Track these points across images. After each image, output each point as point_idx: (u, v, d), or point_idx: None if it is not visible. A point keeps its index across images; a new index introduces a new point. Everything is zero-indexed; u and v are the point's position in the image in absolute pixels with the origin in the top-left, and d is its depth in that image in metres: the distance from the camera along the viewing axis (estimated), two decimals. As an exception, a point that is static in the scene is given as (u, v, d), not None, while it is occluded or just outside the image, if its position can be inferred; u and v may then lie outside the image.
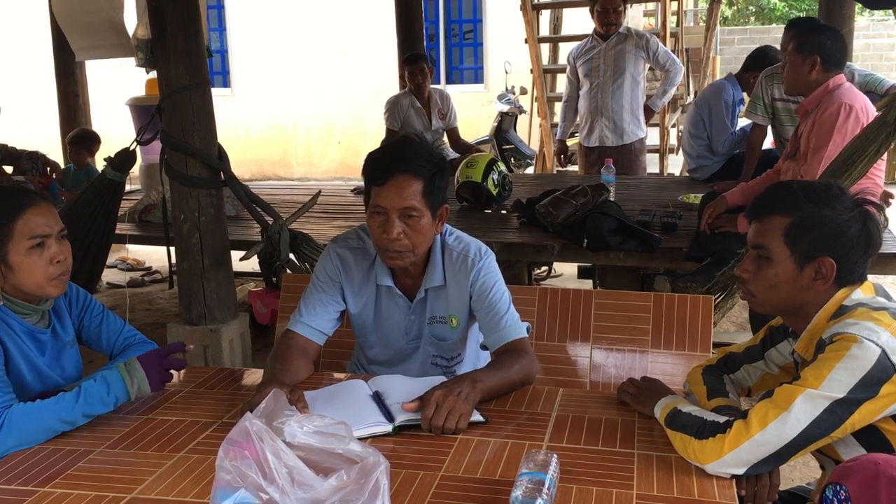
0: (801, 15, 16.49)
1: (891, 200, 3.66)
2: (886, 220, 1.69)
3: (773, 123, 4.44)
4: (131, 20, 4.43)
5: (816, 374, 1.46)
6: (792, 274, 1.60)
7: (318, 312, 2.06)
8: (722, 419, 1.52)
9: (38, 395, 1.83)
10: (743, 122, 4.88)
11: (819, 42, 3.26)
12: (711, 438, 1.49)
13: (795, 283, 1.60)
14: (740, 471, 1.47)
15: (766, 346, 1.80)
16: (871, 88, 4.13)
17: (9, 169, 5.62)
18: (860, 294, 1.58)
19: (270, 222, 3.72)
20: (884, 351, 1.43)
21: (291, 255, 3.74)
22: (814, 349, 1.54)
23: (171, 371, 1.92)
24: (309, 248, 3.73)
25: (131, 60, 4.46)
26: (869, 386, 1.43)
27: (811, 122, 3.31)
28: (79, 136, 5.79)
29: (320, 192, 4.38)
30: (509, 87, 8.55)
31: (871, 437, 1.51)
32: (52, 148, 5.89)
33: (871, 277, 1.64)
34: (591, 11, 5.27)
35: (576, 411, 1.78)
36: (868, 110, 3.26)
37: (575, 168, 6.50)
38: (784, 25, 4.61)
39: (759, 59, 4.71)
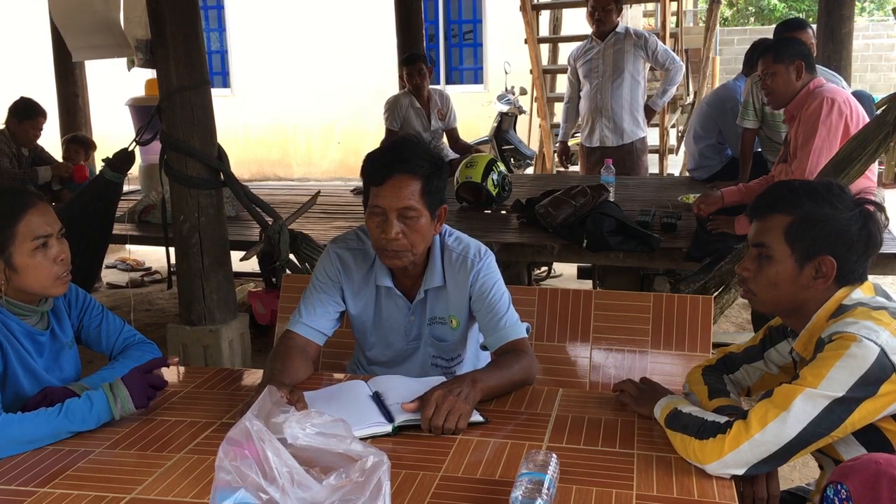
0: (801, 15, 16.49)
1: None
2: (887, 219, 1.68)
3: (761, 127, 4.45)
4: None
5: (815, 373, 1.46)
6: (792, 272, 1.60)
7: (318, 313, 2.06)
8: (722, 419, 1.52)
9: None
10: None
11: (796, 48, 3.49)
12: (712, 439, 1.48)
13: (796, 281, 1.60)
14: (740, 471, 1.47)
15: (765, 346, 1.80)
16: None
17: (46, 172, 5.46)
18: (860, 293, 1.58)
19: (270, 222, 3.72)
20: (883, 350, 1.43)
21: (291, 256, 3.74)
22: (813, 348, 1.54)
23: (157, 387, 1.84)
24: (309, 248, 3.73)
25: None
26: (868, 385, 1.43)
27: (797, 122, 3.44)
28: (71, 140, 5.79)
29: (319, 192, 4.38)
30: (509, 88, 8.54)
31: (871, 436, 1.50)
32: (53, 149, 5.87)
33: (871, 278, 1.64)
34: (586, 11, 5.31)
35: (575, 411, 1.78)
36: (851, 103, 3.37)
37: (576, 168, 6.49)
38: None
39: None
